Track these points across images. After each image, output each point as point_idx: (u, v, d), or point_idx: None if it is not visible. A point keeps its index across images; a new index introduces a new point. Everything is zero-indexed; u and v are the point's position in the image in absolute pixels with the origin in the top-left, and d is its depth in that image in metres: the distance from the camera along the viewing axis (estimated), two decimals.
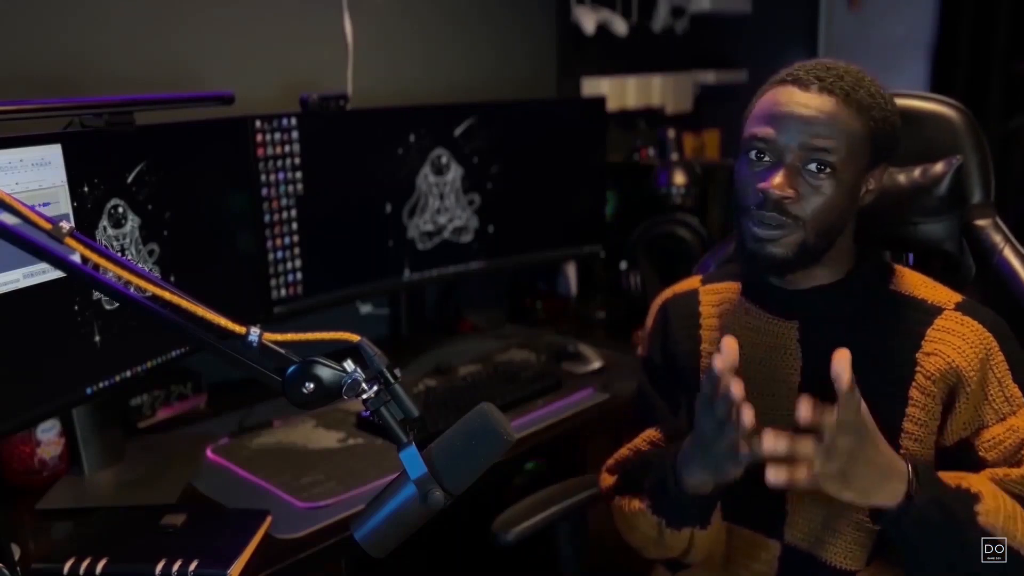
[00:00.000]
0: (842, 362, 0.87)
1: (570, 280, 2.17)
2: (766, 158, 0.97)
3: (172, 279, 1.30)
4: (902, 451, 0.99)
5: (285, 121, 1.50)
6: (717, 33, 2.74)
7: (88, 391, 1.17)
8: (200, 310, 0.75)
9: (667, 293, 1.21)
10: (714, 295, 1.15)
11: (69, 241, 0.72)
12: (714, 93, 2.72)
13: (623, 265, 2.00)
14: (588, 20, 2.24)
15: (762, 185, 0.96)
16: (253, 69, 1.67)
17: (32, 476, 1.27)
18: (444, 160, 1.73)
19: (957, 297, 1.02)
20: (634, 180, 2.16)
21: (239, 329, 0.76)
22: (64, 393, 1.15)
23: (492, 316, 2.07)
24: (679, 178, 2.07)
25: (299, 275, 1.56)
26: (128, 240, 1.22)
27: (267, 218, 1.50)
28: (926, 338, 0.99)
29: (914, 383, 0.99)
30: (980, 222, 1.20)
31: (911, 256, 1.29)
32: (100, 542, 1.07)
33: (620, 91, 2.38)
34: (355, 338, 0.78)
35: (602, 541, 1.61)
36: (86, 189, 1.14)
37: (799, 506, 1.07)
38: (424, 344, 1.87)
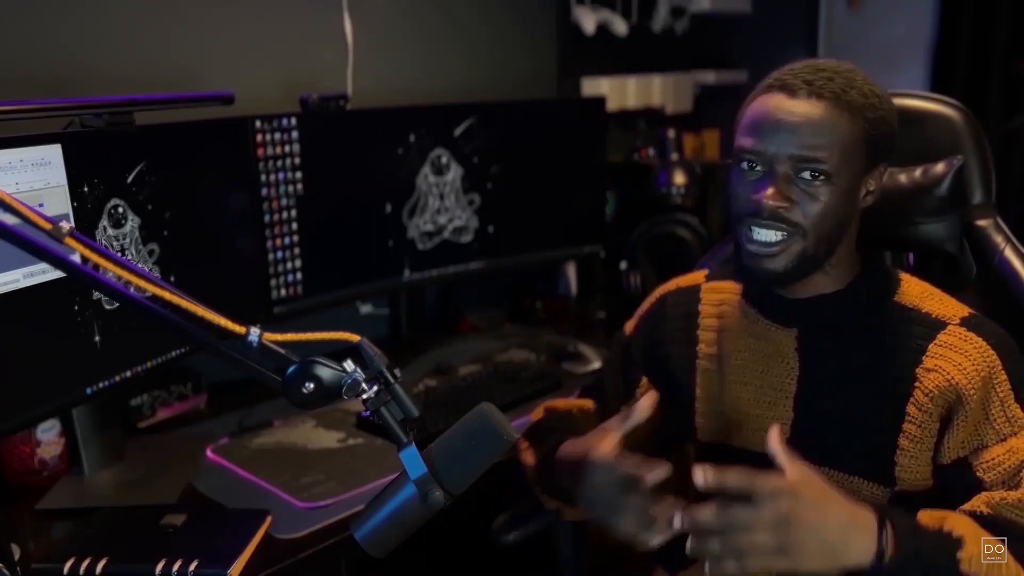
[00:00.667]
0: (774, 439, 0.86)
1: (570, 280, 2.17)
2: (757, 167, 0.96)
3: (172, 279, 1.30)
4: (897, 468, 0.97)
5: (285, 121, 1.50)
6: (717, 33, 2.74)
7: (88, 391, 1.17)
8: (200, 310, 0.75)
9: (671, 284, 1.20)
10: (715, 294, 1.14)
11: (69, 241, 0.72)
12: (714, 93, 2.72)
13: (623, 265, 2.00)
14: (588, 20, 2.24)
15: (755, 196, 0.94)
16: (253, 69, 1.67)
17: (32, 476, 1.27)
18: (444, 160, 1.73)
19: (963, 311, 0.99)
20: (634, 180, 2.15)
21: (239, 329, 0.76)
22: (64, 393, 1.15)
23: (492, 316, 2.07)
24: (679, 178, 2.07)
25: (299, 275, 1.56)
26: (128, 240, 1.22)
27: (267, 218, 1.50)
28: (927, 353, 0.96)
29: (912, 399, 0.96)
30: (981, 222, 1.19)
31: (911, 256, 1.29)
32: (100, 542, 1.07)
33: (620, 91, 2.37)
34: (355, 338, 0.78)
35: (602, 541, 1.61)
36: (86, 189, 1.14)
37: None
38: (424, 344, 1.87)
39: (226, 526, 1.13)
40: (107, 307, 1.18)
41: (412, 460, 0.77)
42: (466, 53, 2.04)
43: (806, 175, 0.93)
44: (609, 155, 2.05)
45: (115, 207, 1.20)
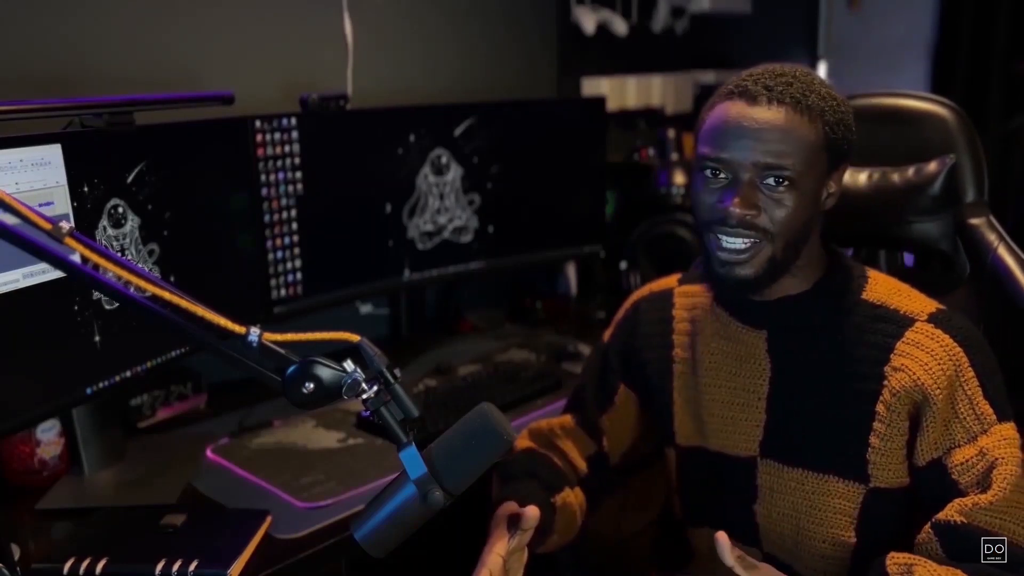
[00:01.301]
0: (725, 553, 0.86)
1: (570, 280, 2.17)
2: (721, 175, 0.96)
3: (172, 279, 1.30)
4: (870, 465, 0.97)
5: (285, 121, 1.50)
6: (717, 33, 2.74)
7: (88, 391, 1.17)
8: (200, 310, 0.75)
9: (644, 290, 1.21)
10: (688, 298, 1.14)
11: (69, 241, 0.72)
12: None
13: (623, 265, 2.00)
14: (588, 20, 2.24)
15: (722, 205, 0.94)
16: (253, 69, 1.67)
17: (32, 476, 1.27)
18: (444, 160, 1.73)
19: (931, 307, 0.99)
20: (634, 180, 2.16)
21: (239, 329, 0.76)
22: (64, 393, 1.15)
23: (492, 316, 2.07)
24: (679, 178, 2.07)
25: (299, 275, 1.56)
26: (128, 240, 1.22)
27: (267, 218, 1.50)
28: (895, 351, 0.96)
29: (880, 398, 0.96)
30: (974, 221, 1.20)
31: (909, 256, 1.29)
32: (100, 542, 1.07)
33: (620, 91, 2.37)
34: (355, 338, 0.78)
35: (602, 541, 1.61)
36: (86, 189, 1.14)
37: (768, 521, 1.07)
38: (424, 344, 1.87)
39: (226, 526, 1.13)
40: (107, 307, 1.18)
41: (412, 460, 0.77)
42: (466, 53, 2.04)
43: (770, 181, 0.93)
44: (609, 155, 2.05)
45: (115, 207, 1.20)
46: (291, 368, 0.77)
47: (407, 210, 1.70)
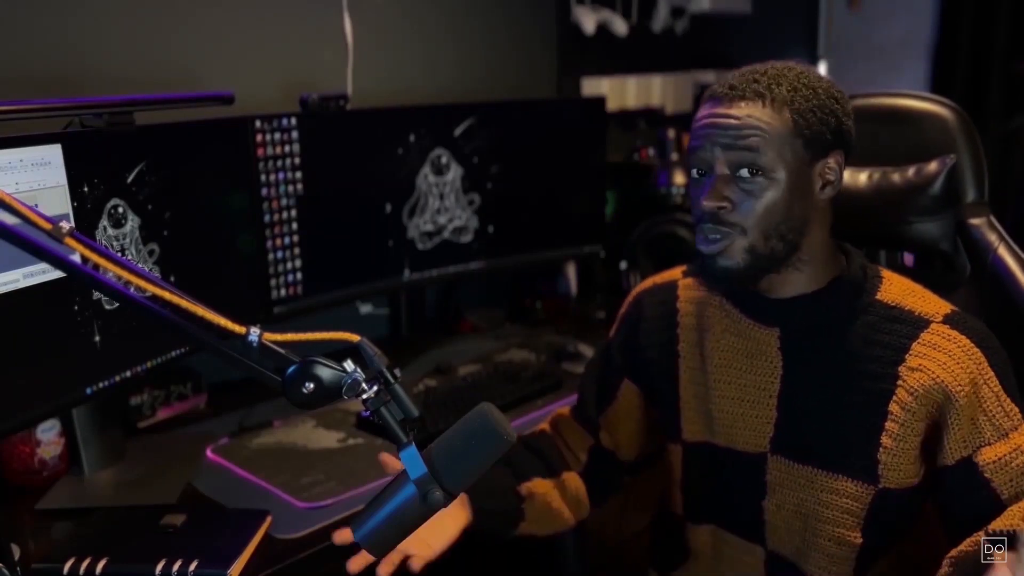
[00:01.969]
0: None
1: (570, 280, 2.17)
2: (703, 174, 0.99)
3: (172, 279, 1.30)
4: (880, 466, 0.98)
5: (285, 121, 1.50)
6: (717, 33, 2.74)
7: (88, 391, 1.17)
8: (200, 310, 0.75)
9: (647, 283, 1.21)
10: (693, 291, 1.14)
11: (69, 241, 0.72)
12: None
13: (623, 265, 2.00)
14: (588, 20, 2.24)
15: (699, 201, 0.97)
16: (253, 69, 1.67)
17: (32, 476, 1.27)
18: (444, 160, 1.73)
19: (946, 308, 0.99)
20: (634, 180, 2.15)
21: (239, 329, 0.76)
22: (64, 393, 1.15)
23: (492, 316, 2.07)
24: (679, 178, 2.07)
25: (299, 275, 1.56)
26: (128, 240, 1.22)
27: (267, 218, 1.50)
28: (910, 352, 0.96)
29: (894, 397, 0.96)
30: (974, 221, 1.19)
31: (909, 256, 1.29)
32: (100, 542, 1.07)
33: (620, 91, 2.37)
34: (355, 338, 0.78)
35: (602, 541, 1.61)
36: (86, 189, 1.14)
37: (777, 517, 1.07)
38: (424, 344, 1.87)
39: (226, 526, 1.13)
40: (107, 307, 1.18)
41: (412, 460, 0.77)
42: (466, 53, 2.04)
43: (743, 173, 0.95)
44: (609, 155, 2.05)
45: (115, 207, 1.20)
46: (291, 368, 0.77)
47: (407, 210, 1.70)
